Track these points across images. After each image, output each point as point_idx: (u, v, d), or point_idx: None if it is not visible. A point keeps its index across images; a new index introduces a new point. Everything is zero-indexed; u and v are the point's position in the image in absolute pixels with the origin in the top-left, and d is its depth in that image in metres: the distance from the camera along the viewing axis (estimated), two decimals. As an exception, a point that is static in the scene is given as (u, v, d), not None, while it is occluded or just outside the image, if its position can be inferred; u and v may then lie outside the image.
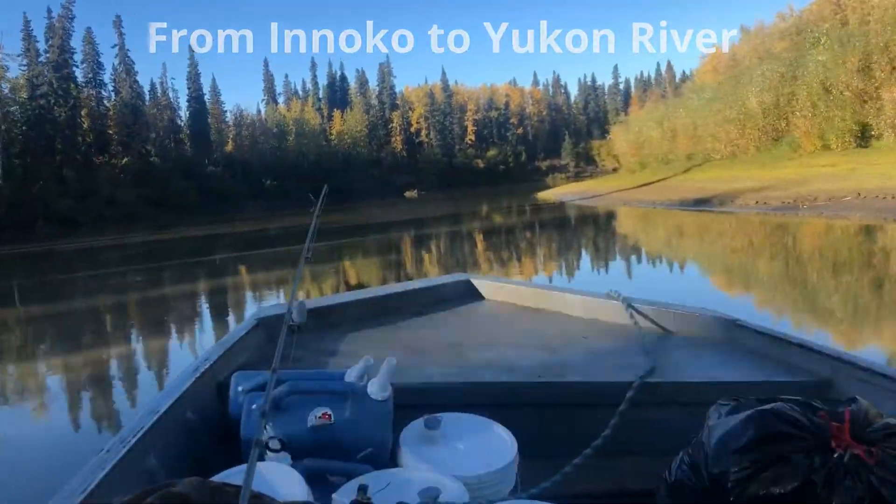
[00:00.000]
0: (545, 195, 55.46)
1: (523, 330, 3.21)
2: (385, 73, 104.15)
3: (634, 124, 68.17)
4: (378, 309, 3.63)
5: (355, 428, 1.86)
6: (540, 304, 3.62)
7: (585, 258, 18.79)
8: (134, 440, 1.71)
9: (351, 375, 1.99)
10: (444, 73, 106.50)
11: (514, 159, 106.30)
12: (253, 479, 0.97)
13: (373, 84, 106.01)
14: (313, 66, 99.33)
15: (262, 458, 1.59)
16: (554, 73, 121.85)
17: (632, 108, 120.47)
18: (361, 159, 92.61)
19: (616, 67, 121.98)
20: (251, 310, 11.33)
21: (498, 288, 3.97)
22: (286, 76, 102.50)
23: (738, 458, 1.40)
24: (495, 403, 2.16)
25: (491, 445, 1.77)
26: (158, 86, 75.88)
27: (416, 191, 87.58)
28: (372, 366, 1.99)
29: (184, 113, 78.36)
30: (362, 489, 1.38)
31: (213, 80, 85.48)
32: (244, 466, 1.18)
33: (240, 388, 2.05)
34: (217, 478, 1.44)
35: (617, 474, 2.08)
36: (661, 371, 2.41)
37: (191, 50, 75.58)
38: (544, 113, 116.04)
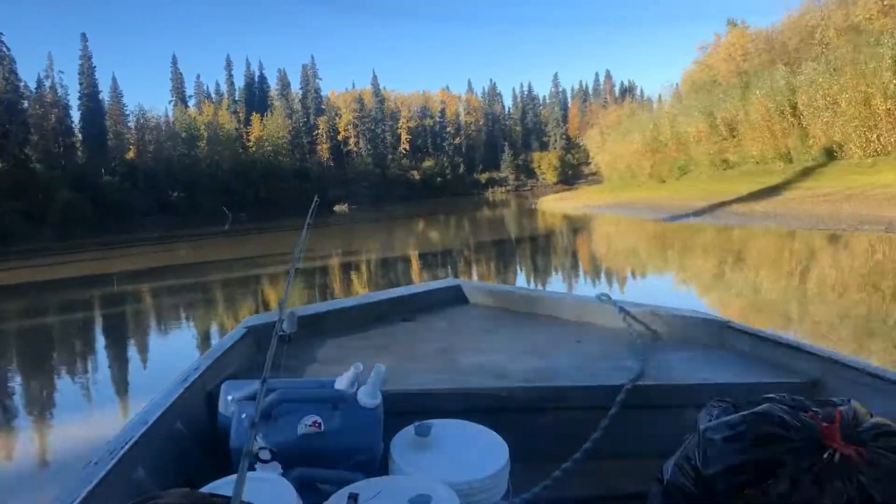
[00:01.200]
0: (550, 205, 47.00)
1: (515, 335, 3.17)
2: (309, 74, 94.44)
3: (613, 133, 61.78)
4: (368, 315, 3.53)
5: (345, 436, 1.83)
6: (532, 309, 3.56)
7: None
8: (122, 451, 1.68)
9: (341, 383, 1.93)
10: (374, 77, 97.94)
11: (451, 171, 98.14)
12: (243, 490, 0.98)
13: (295, 87, 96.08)
14: (228, 64, 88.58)
15: (252, 468, 1.59)
16: (490, 80, 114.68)
17: (571, 119, 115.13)
18: (284, 169, 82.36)
19: (556, 76, 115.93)
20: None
21: (489, 293, 3.90)
22: (198, 76, 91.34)
23: (729, 459, 1.42)
24: (486, 409, 2.18)
25: (482, 451, 1.74)
26: (46, 81, 63.96)
27: (346, 205, 78.00)
28: (362, 373, 1.92)
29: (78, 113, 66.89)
30: (353, 497, 1.42)
31: (114, 77, 74.25)
32: (234, 477, 1.24)
33: (229, 398, 2.01)
34: (206, 489, 1.45)
35: (609, 478, 2.06)
36: (652, 373, 2.40)
37: (83, 39, 64.53)
38: (481, 122, 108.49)
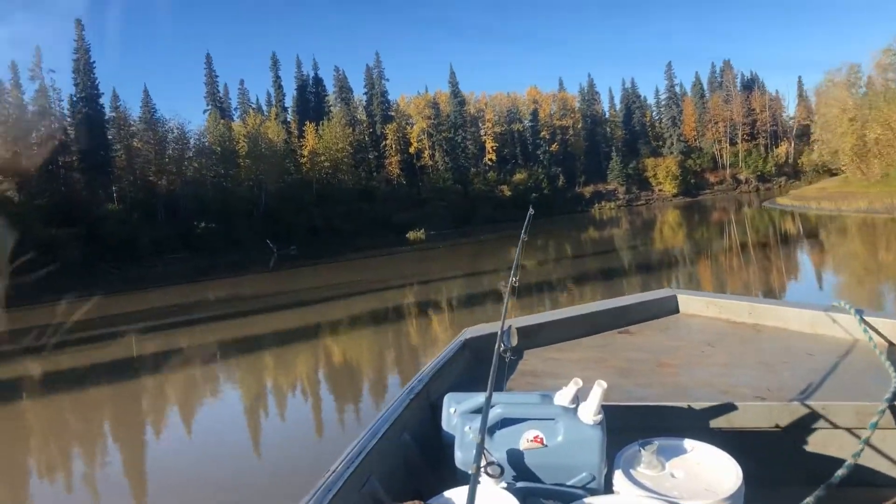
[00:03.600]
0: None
1: (738, 347, 3.03)
2: (374, 76, 78.62)
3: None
4: (583, 327, 3.47)
5: (567, 452, 1.81)
6: (755, 320, 3.37)
7: None
8: (358, 461, 1.78)
9: (561, 398, 1.88)
10: (451, 73, 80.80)
11: (548, 185, 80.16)
12: None
13: (358, 93, 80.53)
14: (275, 64, 73.41)
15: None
16: (588, 76, 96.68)
17: (686, 118, 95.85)
18: (344, 190, 66.46)
19: (670, 66, 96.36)
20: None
21: (708, 303, 3.71)
22: (241, 82, 76.53)
23: None
24: (714, 428, 2.13)
25: (713, 473, 1.66)
26: (33, 82, 49.85)
27: (421, 231, 61.37)
28: (582, 388, 1.87)
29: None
30: None
31: (146, 89, 59.93)
32: (461, 490, 1.32)
33: (452, 410, 2.02)
34: (434, 500, 1.53)
35: None
36: None
37: (78, 26, 50.20)
38: (580, 126, 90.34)
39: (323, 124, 68.51)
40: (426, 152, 79.01)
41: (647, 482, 1.61)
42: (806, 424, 2.13)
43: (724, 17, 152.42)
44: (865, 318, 2.78)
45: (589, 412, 1.83)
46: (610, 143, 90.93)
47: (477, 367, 2.83)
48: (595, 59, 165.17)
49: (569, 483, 1.77)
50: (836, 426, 2.07)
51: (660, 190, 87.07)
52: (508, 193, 76.45)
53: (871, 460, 1.91)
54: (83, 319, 20.95)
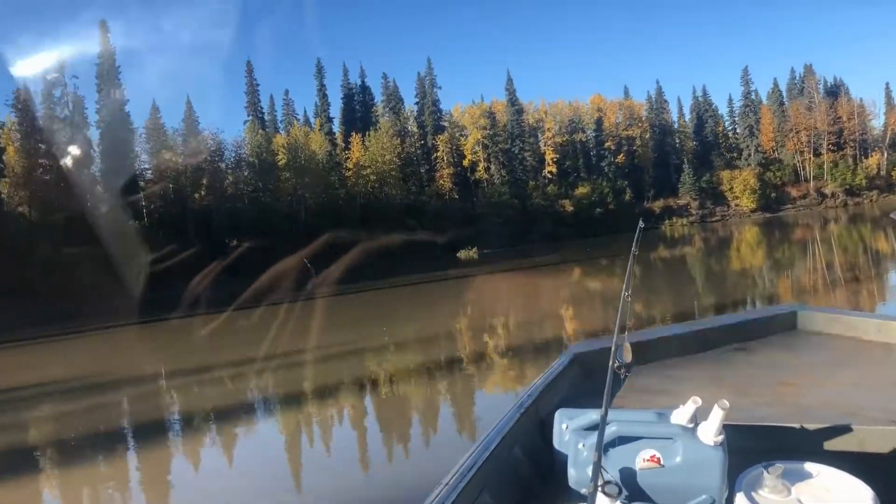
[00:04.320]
0: None
1: (867, 367, 2.90)
2: (426, 83, 73.73)
3: None
4: (699, 343, 3.39)
5: (686, 473, 1.78)
6: (885, 338, 3.20)
7: None
8: (470, 475, 1.80)
9: (679, 417, 1.88)
10: (509, 80, 75.20)
11: (614, 199, 73.60)
12: None
13: (409, 103, 75.70)
14: (319, 70, 69.02)
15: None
16: (657, 83, 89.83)
17: (763, 128, 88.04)
18: (392, 205, 61.43)
19: (747, 71, 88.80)
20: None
21: (833, 320, 3.58)
22: (286, 92, 72.46)
23: None
24: (840, 452, 2.03)
25: (844, 499, 1.59)
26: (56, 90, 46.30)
27: (474, 249, 55.87)
28: (700, 407, 1.85)
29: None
30: None
31: (188, 100, 56.33)
32: None
33: (563, 426, 2.03)
34: None
35: None
36: None
37: (103, 29, 46.53)
38: (647, 136, 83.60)
39: (369, 135, 63.68)
40: (481, 165, 73.62)
41: None
42: None
43: (804, 17, 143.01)
44: None
45: (709, 432, 1.77)
46: (680, 155, 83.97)
47: (586, 384, 2.81)
48: (663, 65, 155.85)
49: None
50: None
51: (736, 205, 79.67)
52: (570, 208, 70.33)
53: None
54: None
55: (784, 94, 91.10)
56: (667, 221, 75.02)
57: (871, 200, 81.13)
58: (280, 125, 70.38)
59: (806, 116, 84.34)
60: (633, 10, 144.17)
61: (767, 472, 1.63)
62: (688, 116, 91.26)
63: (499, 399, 10.27)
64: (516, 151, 72.53)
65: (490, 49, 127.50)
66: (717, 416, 1.78)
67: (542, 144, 77.09)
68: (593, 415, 1.78)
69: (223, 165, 55.86)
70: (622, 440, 1.83)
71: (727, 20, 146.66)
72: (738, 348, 3.33)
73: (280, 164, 57.92)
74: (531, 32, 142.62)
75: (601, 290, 25.65)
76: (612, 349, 1.77)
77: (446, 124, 74.36)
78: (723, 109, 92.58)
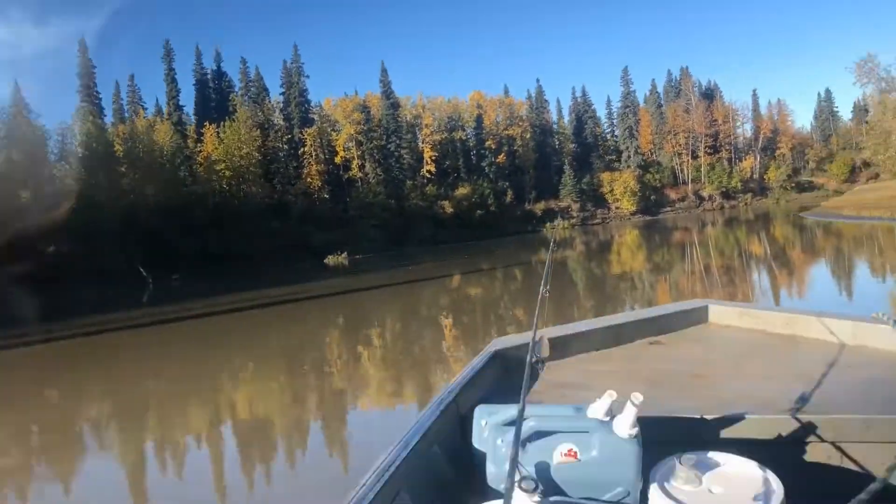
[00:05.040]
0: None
1: (774, 359, 2.99)
2: (293, 72, 66.98)
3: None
4: (616, 337, 3.41)
5: (602, 467, 1.78)
6: (791, 331, 3.32)
7: None
8: (388, 475, 1.76)
9: (595, 411, 1.86)
10: (383, 72, 69.64)
11: (496, 201, 69.57)
12: None
13: (274, 93, 68.80)
14: (168, 54, 60.67)
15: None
16: (537, 82, 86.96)
17: (642, 130, 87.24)
18: (252, 206, 54.45)
19: (626, 71, 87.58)
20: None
21: (742, 314, 3.66)
22: (131, 77, 63.51)
23: None
24: (751, 441, 2.09)
25: (754, 489, 1.62)
26: None
27: (344, 254, 49.95)
28: (616, 400, 1.84)
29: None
30: None
31: (17, 84, 46.98)
32: (496, 503, 1.38)
33: (483, 423, 2.02)
34: None
35: None
36: None
37: None
38: (528, 136, 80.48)
39: (224, 126, 56.35)
40: (354, 162, 67.79)
41: (684, 498, 1.57)
42: (847, 438, 2.09)
43: (679, 20, 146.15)
44: None
45: (625, 425, 1.77)
46: (561, 157, 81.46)
47: (507, 379, 2.80)
48: (543, 65, 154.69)
49: (604, 498, 1.73)
50: (877, 440, 2.03)
51: (617, 207, 77.91)
52: (450, 210, 65.65)
53: None
54: None
55: (661, 96, 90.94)
56: (548, 224, 71.85)
57: (745, 203, 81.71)
58: (127, 115, 61.64)
59: (684, 118, 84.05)
60: (510, 6, 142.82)
61: (680, 462, 1.65)
62: (567, 118, 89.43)
63: None
64: (392, 148, 67.08)
65: (364, 39, 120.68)
66: (631, 410, 1.77)
67: (420, 141, 72.04)
68: (512, 410, 1.70)
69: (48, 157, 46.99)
70: (540, 435, 1.80)
71: (605, 20, 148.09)
72: (653, 342, 3.38)
73: (119, 156, 49.71)
74: (406, 23, 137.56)
75: (483, 298, 21.49)
76: (530, 344, 1.78)
77: (315, 117, 67.97)
78: (601, 112, 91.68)
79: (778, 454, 1.92)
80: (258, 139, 57.85)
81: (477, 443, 2.00)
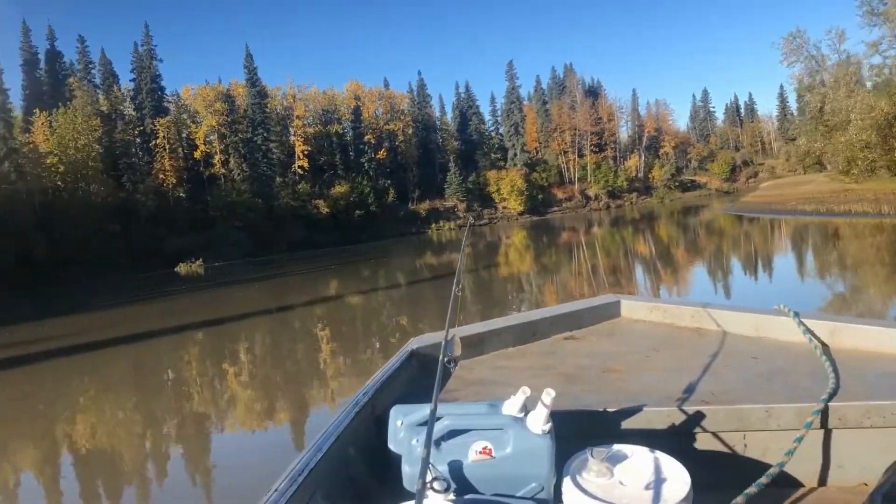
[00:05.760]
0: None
1: (682, 352, 3.02)
2: (144, 56, 59.18)
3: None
4: (528, 334, 3.43)
5: (516, 462, 1.77)
6: (698, 324, 3.39)
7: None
8: (301, 479, 1.74)
9: (509, 407, 1.86)
10: (248, 56, 62.80)
11: (376, 200, 64.29)
12: None
13: (125, 79, 60.72)
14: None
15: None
16: (419, 75, 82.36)
17: (528, 127, 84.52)
18: (89, 205, 46.80)
19: (511, 65, 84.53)
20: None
21: (652, 308, 3.70)
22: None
23: None
24: (661, 432, 2.15)
25: (662, 479, 1.66)
26: None
27: (198, 262, 43.51)
28: (530, 397, 1.84)
29: None
30: None
31: None
32: None
33: (398, 423, 1.99)
34: None
35: None
36: (846, 392, 2.21)
37: None
38: (410, 132, 75.80)
39: (57, 112, 48.22)
40: (217, 157, 60.70)
41: (596, 491, 1.59)
42: (750, 427, 2.16)
43: (564, 18, 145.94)
44: (804, 320, 2.82)
45: (538, 421, 1.78)
46: (445, 154, 77.28)
47: (424, 378, 2.76)
48: (424, 59, 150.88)
49: (518, 494, 1.74)
50: (779, 427, 2.11)
51: (504, 207, 74.45)
52: (326, 210, 59.81)
53: (807, 460, 1.99)
54: None
55: (546, 93, 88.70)
56: (434, 225, 67.38)
57: (631, 202, 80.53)
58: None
59: (570, 116, 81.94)
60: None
61: (592, 456, 1.66)
62: (450, 115, 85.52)
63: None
64: (259, 142, 60.41)
65: (229, 22, 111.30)
66: (544, 405, 1.76)
67: (291, 134, 65.71)
68: (426, 410, 1.68)
69: None
70: (455, 433, 1.78)
71: (487, 15, 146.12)
72: (567, 337, 3.42)
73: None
74: (277, 9, 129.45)
75: (365, 312, 17.40)
76: (443, 343, 1.78)
77: (171, 106, 60.38)
78: (486, 109, 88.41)
79: (685, 444, 2.05)
80: (98, 129, 49.97)
81: (392, 444, 1.96)
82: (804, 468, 2.00)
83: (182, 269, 42.33)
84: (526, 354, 3.18)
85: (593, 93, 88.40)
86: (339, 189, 61.83)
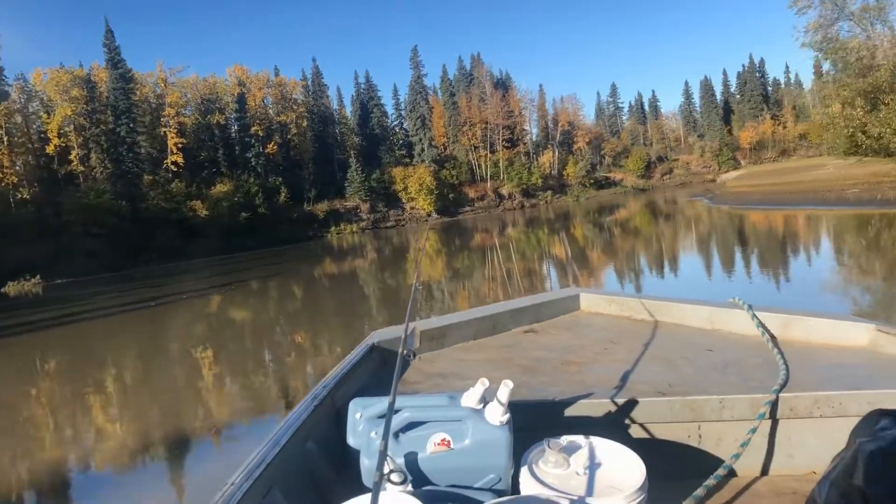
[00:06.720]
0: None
1: (639, 344, 3.03)
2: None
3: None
4: (488, 327, 3.45)
5: (475, 454, 1.80)
6: (657, 317, 3.42)
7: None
8: (258, 473, 1.72)
9: (468, 399, 1.87)
10: (108, 32, 53.46)
11: (265, 201, 56.34)
12: None
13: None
14: None
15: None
16: (314, 62, 74.73)
17: (435, 121, 78.37)
18: None
19: (416, 51, 78.10)
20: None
21: (610, 301, 3.75)
22: None
23: None
24: (617, 423, 2.18)
25: (618, 469, 1.68)
26: None
27: (36, 280, 34.95)
28: (489, 389, 1.86)
29: None
30: None
31: None
32: (365, 498, 1.42)
33: (357, 416, 1.99)
34: None
35: (753, 495, 2.00)
36: (796, 383, 2.25)
37: None
38: (305, 125, 68.17)
39: None
40: (75, 152, 51.40)
41: (553, 481, 1.60)
42: (705, 418, 2.17)
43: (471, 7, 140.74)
44: (758, 312, 2.85)
45: (496, 412, 1.80)
46: (345, 150, 70.10)
47: (384, 371, 2.77)
48: (319, 47, 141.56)
49: (476, 485, 1.75)
50: (732, 418, 2.13)
51: (412, 207, 67.97)
52: (205, 213, 51.48)
53: (759, 449, 2.04)
54: None
55: (453, 84, 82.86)
56: (334, 228, 60.10)
57: (546, 202, 75.78)
58: None
59: (479, 109, 76.29)
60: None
61: (549, 447, 1.67)
62: (349, 108, 78.48)
63: None
64: (124, 133, 51.47)
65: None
66: (503, 396, 1.79)
67: (165, 127, 56.88)
68: (386, 402, 1.62)
69: None
70: (414, 426, 1.80)
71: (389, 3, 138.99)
72: (527, 330, 3.43)
73: None
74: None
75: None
76: (402, 337, 1.80)
77: (12, 90, 50.65)
78: (388, 102, 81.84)
79: (642, 435, 2.09)
80: None
81: (352, 437, 1.94)
82: (756, 458, 2.02)
83: (11, 289, 33.66)
84: (486, 347, 3.16)
85: (503, 85, 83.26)
86: (221, 188, 53.66)
